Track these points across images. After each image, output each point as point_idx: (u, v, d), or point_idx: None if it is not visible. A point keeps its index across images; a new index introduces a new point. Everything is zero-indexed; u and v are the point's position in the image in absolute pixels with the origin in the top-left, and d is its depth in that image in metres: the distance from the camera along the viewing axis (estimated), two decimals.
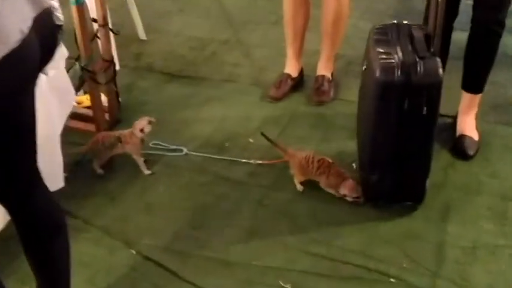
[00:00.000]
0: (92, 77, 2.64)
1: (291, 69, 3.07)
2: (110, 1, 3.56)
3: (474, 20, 2.42)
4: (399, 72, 1.99)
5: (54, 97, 2.19)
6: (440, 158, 2.53)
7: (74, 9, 2.49)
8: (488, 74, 2.54)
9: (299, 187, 2.38)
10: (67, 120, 2.75)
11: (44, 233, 1.65)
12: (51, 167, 2.14)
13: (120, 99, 2.93)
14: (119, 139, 2.48)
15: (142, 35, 3.64)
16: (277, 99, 2.99)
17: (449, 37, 2.50)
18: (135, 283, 2.00)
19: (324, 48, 3.01)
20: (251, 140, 2.71)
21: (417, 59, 2.01)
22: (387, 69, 2.00)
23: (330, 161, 2.34)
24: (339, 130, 2.72)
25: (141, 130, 2.45)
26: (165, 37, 3.61)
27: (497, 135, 2.68)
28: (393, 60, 2.01)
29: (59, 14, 1.58)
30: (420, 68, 1.99)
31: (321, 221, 2.24)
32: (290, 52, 3.04)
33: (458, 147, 2.53)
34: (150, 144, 2.66)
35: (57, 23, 1.58)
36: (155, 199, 2.37)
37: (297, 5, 2.93)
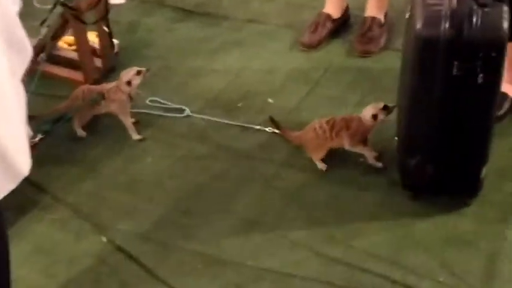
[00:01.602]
0: (75, 15, 2.49)
1: (332, 8, 2.83)
2: None
3: None
4: (447, 24, 1.72)
5: (12, 53, 2.05)
6: (507, 135, 2.25)
7: None
8: None
9: (321, 166, 2.20)
10: (51, 68, 2.70)
11: None
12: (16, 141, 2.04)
13: (117, 41, 2.79)
14: (102, 95, 2.34)
15: None
16: (311, 47, 2.77)
17: None
18: (99, 279, 1.90)
19: None
20: (270, 100, 2.52)
21: (475, 7, 1.72)
22: (431, 19, 1.74)
23: (341, 116, 2.18)
24: (384, 91, 2.44)
25: (128, 83, 2.31)
26: None
27: None
28: (441, 8, 1.74)
29: None
30: (477, 19, 1.71)
31: (342, 212, 2.05)
32: None
33: None
34: (147, 101, 2.53)
35: None
36: (140, 173, 2.24)
37: None
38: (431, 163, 1.94)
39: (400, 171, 2.05)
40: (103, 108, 2.36)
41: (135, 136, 2.37)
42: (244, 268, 1.90)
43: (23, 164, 2.09)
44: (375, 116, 2.12)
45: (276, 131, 2.33)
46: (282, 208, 2.08)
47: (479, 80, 1.73)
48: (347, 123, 2.15)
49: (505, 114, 2.31)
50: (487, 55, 1.70)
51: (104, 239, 2.01)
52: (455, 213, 2.01)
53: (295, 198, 2.11)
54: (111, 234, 2.02)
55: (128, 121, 2.36)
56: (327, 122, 2.16)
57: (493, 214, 2.00)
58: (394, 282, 1.83)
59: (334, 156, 2.22)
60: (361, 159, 2.21)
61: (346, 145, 2.16)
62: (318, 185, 2.15)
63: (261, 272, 1.89)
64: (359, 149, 2.17)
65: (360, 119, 2.14)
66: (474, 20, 1.71)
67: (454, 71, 1.74)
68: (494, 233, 1.95)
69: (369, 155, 2.16)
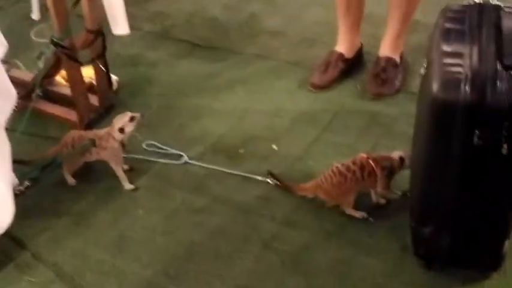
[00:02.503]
0: (68, 54, 2.30)
1: (345, 46, 2.62)
2: None
3: None
4: (468, 88, 1.48)
5: None
6: None
7: None
8: None
9: (360, 214, 2.00)
10: (45, 105, 2.51)
11: None
12: None
13: (116, 77, 2.61)
14: (93, 142, 2.14)
15: None
16: (321, 88, 2.57)
17: None
18: None
19: (390, 23, 2.52)
20: (275, 147, 2.31)
21: (499, 68, 1.49)
22: (450, 82, 1.50)
23: (366, 155, 1.97)
24: (400, 139, 2.20)
25: (121, 130, 2.10)
26: None
27: None
28: (461, 69, 1.50)
29: None
30: (502, 83, 1.47)
31: (347, 281, 1.82)
32: (342, 27, 2.56)
33: None
34: (144, 145, 2.33)
35: None
36: (129, 229, 2.03)
37: None
38: (447, 233, 1.70)
39: (412, 238, 1.81)
40: (94, 155, 2.16)
41: (127, 186, 2.17)
42: None
43: (3, 218, 1.92)
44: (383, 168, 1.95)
45: (279, 183, 2.11)
46: (281, 275, 1.85)
47: (504, 151, 1.49)
48: (379, 163, 1.95)
49: None
50: None
51: None
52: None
53: (296, 263, 1.88)
54: None
55: (120, 170, 2.16)
56: (354, 163, 1.96)
57: None
58: None
59: (338, 215, 1.99)
60: (371, 219, 1.98)
61: (380, 187, 1.97)
62: (321, 248, 1.92)
63: None
64: (386, 192, 1.99)
65: (391, 158, 1.95)
66: (498, 83, 1.47)
67: (475, 140, 1.50)
68: None
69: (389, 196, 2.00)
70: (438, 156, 1.59)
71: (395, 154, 1.96)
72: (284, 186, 2.09)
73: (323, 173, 1.99)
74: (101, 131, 2.17)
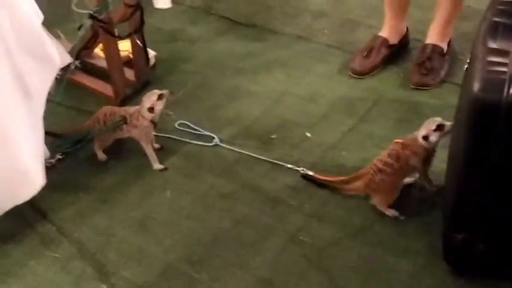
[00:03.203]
0: (105, 28, 2.25)
1: (390, 32, 2.50)
2: None
3: None
4: (511, 90, 1.37)
5: (32, 68, 1.84)
6: None
7: None
8: None
9: (393, 213, 1.91)
10: (83, 77, 2.49)
11: None
12: (27, 161, 1.84)
13: (154, 52, 2.56)
14: (124, 119, 2.10)
15: None
16: (362, 74, 2.47)
17: None
18: None
19: (439, 6, 2.39)
20: (308, 134, 2.23)
21: None
22: (493, 82, 1.39)
23: (396, 145, 1.89)
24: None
25: (150, 109, 2.05)
26: None
27: None
28: (505, 69, 1.39)
29: None
30: None
31: (372, 282, 1.75)
32: (388, 11, 2.45)
33: None
34: (176, 124, 2.29)
35: None
36: (156, 209, 2.00)
37: None
38: (482, 241, 1.60)
39: (443, 243, 1.71)
40: (125, 133, 2.13)
41: (157, 166, 2.12)
42: None
43: (26, 190, 1.89)
44: (425, 137, 1.84)
45: (310, 172, 2.04)
46: (304, 269, 1.79)
47: None
48: (411, 149, 1.86)
49: None
50: None
51: (104, 287, 1.77)
52: None
53: (321, 259, 1.81)
54: (112, 282, 1.79)
55: (150, 149, 2.12)
56: (389, 156, 1.87)
57: None
58: None
59: (368, 210, 1.91)
60: (402, 217, 1.89)
61: (420, 171, 1.90)
62: (348, 244, 1.85)
63: None
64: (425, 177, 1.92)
65: (417, 141, 1.86)
66: None
67: None
68: None
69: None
70: (477, 160, 1.49)
71: (420, 133, 1.86)
72: (327, 188, 1.99)
73: (368, 172, 1.89)
74: (132, 109, 2.12)
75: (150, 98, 2.06)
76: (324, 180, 1.99)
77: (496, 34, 1.49)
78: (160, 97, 2.06)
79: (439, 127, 1.82)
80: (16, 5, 1.74)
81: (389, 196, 1.90)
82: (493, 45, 1.47)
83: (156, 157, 2.13)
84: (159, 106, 2.06)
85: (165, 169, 2.12)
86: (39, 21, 1.90)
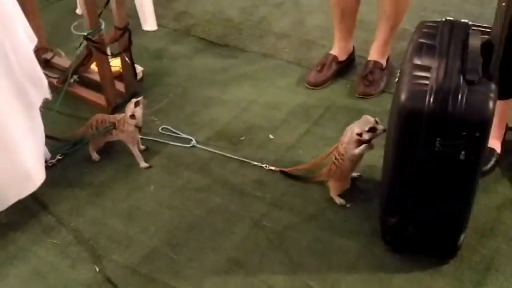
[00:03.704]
0: (98, 47, 2.25)
1: (338, 51, 2.51)
2: None
3: None
4: (432, 99, 1.41)
5: (30, 85, 1.83)
6: (497, 191, 1.94)
7: None
8: None
9: (341, 201, 1.92)
10: (80, 89, 2.48)
11: None
12: (23, 167, 1.83)
13: (142, 68, 2.56)
14: (113, 125, 2.10)
15: None
16: (315, 86, 2.47)
17: None
18: None
19: (379, 31, 2.41)
20: (271, 136, 2.25)
21: (461, 83, 1.40)
22: (416, 93, 1.43)
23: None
24: (382, 136, 2.11)
25: (132, 116, 2.05)
26: None
27: None
28: (427, 82, 1.43)
29: None
30: (463, 96, 1.39)
31: (323, 259, 1.77)
32: (337, 33, 2.47)
33: None
34: (160, 129, 2.28)
35: None
36: (141, 202, 1.99)
37: None
38: (411, 224, 1.64)
39: (381, 226, 1.75)
40: (114, 136, 2.12)
41: (142, 164, 2.12)
42: None
43: (36, 177, 1.89)
44: (359, 134, 1.81)
45: (271, 167, 2.07)
46: (266, 251, 1.80)
47: (461, 156, 1.42)
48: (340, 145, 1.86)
49: (491, 169, 1.98)
50: (470, 134, 1.39)
51: (97, 269, 1.77)
52: (432, 272, 1.71)
53: (280, 241, 1.83)
54: (104, 264, 1.78)
55: (136, 150, 2.12)
56: (336, 150, 1.87)
57: (469, 275, 1.69)
58: None
59: (321, 200, 1.93)
60: (347, 205, 1.92)
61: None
62: (303, 228, 1.87)
63: None
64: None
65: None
66: (459, 97, 1.39)
67: (436, 146, 1.43)
68: None
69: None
70: (404, 158, 1.52)
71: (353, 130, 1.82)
72: (301, 179, 2.01)
73: (332, 162, 1.88)
74: (119, 116, 2.12)
75: (129, 107, 2.06)
76: (299, 169, 2.01)
77: (420, 53, 1.52)
78: (136, 104, 2.06)
79: (372, 129, 1.78)
80: (14, 31, 1.73)
81: (342, 184, 1.90)
82: (417, 61, 1.50)
83: (141, 157, 2.13)
84: (138, 112, 2.06)
85: (150, 167, 2.12)
86: (32, 45, 1.89)
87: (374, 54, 2.44)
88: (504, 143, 2.06)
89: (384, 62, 2.44)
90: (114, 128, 2.09)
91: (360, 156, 1.85)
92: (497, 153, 2.00)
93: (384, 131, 1.75)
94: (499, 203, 1.90)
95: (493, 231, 1.81)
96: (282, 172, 2.03)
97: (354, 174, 1.96)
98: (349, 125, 1.87)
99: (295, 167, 2.03)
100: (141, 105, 2.06)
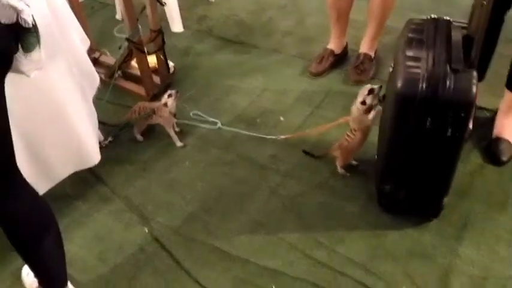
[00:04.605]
0: (137, 47, 2.15)
1: (334, 45, 2.40)
2: None
3: None
4: (424, 85, 1.32)
5: (83, 80, 1.75)
6: (470, 160, 1.85)
7: None
8: None
9: (343, 172, 1.82)
10: (124, 82, 2.39)
11: (28, 236, 1.27)
12: (82, 146, 1.77)
13: (173, 63, 2.46)
14: (153, 111, 2.02)
15: None
16: (316, 75, 2.37)
17: (498, 32, 1.71)
18: (139, 265, 1.62)
19: (369, 28, 2.30)
20: (282, 118, 2.16)
21: (448, 71, 1.31)
22: (410, 80, 1.34)
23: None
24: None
25: (165, 104, 1.97)
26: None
27: None
28: (419, 71, 1.34)
29: (26, 16, 1.07)
30: (450, 82, 1.31)
31: (329, 221, 1.70)
32: (333, 31, 2.36)
33: (492, 150, 1.83)
34: (191, 114, 2.19)
35: (25, 25, 1.08)
36: (179, 175, 1.93)
37: None
38: (403, 190, 1.57)
39: (377, 191, 1.68)
40: (154, 120, 2.04)
41: (178, 143, 2.05)
42: (249, 265, 1.59)
43: (94, 156, 1.82)
44: (363, 102, 1.68)
45: (282, 136, 1.97)
46: (282, 214, 1.74)
47: (448, 133, 1.34)
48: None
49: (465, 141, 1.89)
50: (456, 114, 1.31)
51: (146, 230, 1.72)
52: (420, 227, 1.65)
53: (293, 206, 1.77)
54: (152, 226, 1.73)
55: (172, 132, 2.04)
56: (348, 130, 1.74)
57: (450, 231, 1.63)
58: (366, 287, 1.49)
59: (324, 171, 1.86)
60: (348, 174, 1.84)
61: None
62: (311, 195, 1.80)
63: (260, 270, 1.57)
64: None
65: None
66: (448, 83, 1.30)
67: (427, 125, 1.35)
68: (450, 248, 1.58)
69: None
70: (398, 135, 1.45)
71: (357, 100, 1.69)
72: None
73: (344, 138, 1.77)
74: (158, 103, 2.04)
75: (164, 97, 1.99)
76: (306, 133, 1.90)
77: (411, 45, 1.44)
78: (169, 96, 1.99)
79: (371, 91, 1.66)
80: (70, 35, 1.65)
81: (348, 158, 1.81)
82: (409, 53, 1.41)
83: (177, 137, 2.05)
84: (171, 102, 1.98)
85: (184, 146, 2.05)
86: (85, 47, 1.80)
87: (364, 47, 2.34)
88: (475, 119, 1.97)
89: (372, 54, 2.34)
90: (154, 113, 2.01)
91: (371, 123, 1.70)
92: (469, 129, 1.91)
93: (381, 87, 1.63)
94: (471, 169, 1.83)
95: (468, 193, 1.74)
96: (304, 151, 1.92)
97: (354, 162, 1.85)
98: (345, 108, 1.78)
99: (300, 132, 1.95)
100: (173, 97, 1.98)
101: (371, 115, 1.68)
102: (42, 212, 1.28)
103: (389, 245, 1.60)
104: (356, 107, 1.71)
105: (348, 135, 1.76)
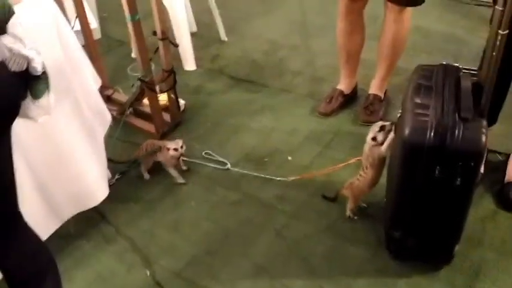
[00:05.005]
0: (149, 86, 2.16)
1: (344, 86, 2.38)
2: (197, 5, 3.08)
3: None
4: (432, 134, 1.28)
5: (94, 118, 1.75)
6: (482, 205, 1.78)
7: (130, 25, 1.99)
8: None
9: (351, 215, 1.77)
10: (134, 120, 2.40)
11: (27, 280, 1.23)
12: (88, 186, 1.76)
13: (184, 101, 2.46)
14: (158, 148, 2.00)
15: (223, 36, 3.08)
16: (325, 115, 2.34)
17: (510, 79, 1.67)
18: None
19: (378, 69, 2.27)
20: (290, 158, 2.12)
21: (457, 120, 1.27)
22: (418, 128, 1.30)
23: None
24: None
25: (168, 149, 1.96)
26: (244, 39, 3.04)
27: None
28: (427, 119, 1.30)
29: (36, 65, 1.07)
30: (459, 132, 1.26)
31: (335, 265, 1.64)
32: (343, 71, 2.34)
33: (505, 196, 1.75)
34: (203, 153, 2.17)
35: (35, 73, 1.08)
36: (184, 215, 1.89)
37: (351, 31, 2.21)
38: (412, 237, 1.50)
39: (385, 237, 1.61)
40: (157, 157, 2.02)
41: (180, 180, 2.02)
42: None
43: (100, 194, 1.80)
44: (373, 138, 1.62)
45: (292, 178, 1.92)
46: (287, 257, 1.68)
47: (457, 182, 1.29)
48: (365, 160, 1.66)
49: (476, 186, 1.82)
50: (465, 164, 1.25)
51: (148, 273, 1.67)
52: (429, 276, 1.57)
53: (298, 249, 1.71)
54: (154, 269, 1.69)
55: (172, 170, 2.01)
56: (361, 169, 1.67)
57: (461, 280, 1.55)
58: None
59: (332, 213, 1.80)
60: (356, 217, 1.78)
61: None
62: (318, 238, 1.74)
63: None
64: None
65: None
66: (456, 132, 1.26)
67: (436, 174, 1.29)
68: None
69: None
70: (407, 183, 1.39)
71: (368, 137, 1.64)
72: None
73: (356, 178, 1.70)
74: (164, 142, 2.02)
75: (171, 143, 1.98)
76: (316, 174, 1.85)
77: (419, 92, 1.40)
78: (175, 149, 1.96)
79: (382, 127, 1.61)
80: (81, 73, 1.66)
81: (359, 198, 1.74)
82: (417, 100, 1.37)
83: (178, 174, 2.01)
84: (173, 153, 1.96)
85: (184, 183, 2.01)
86: (96, 86, 1.81)
87: (374, 88, 2.31)
88: (486, 163, 1.90)
89: (382, 95, 2.31)
90: (159, 151, 1.99)
91: (384, 159, 1.62)
92: (481, 173, 1.85)
93: (392, 123, 1.57)
94: (483, 215, 1.75)
95: (480, 240, 1.67)
96: (324, 196, 1.86)
97: (363, 204, 1.79)
98: (354, 148, 1.73)
99: (310, 173, 1.90)
100: (178, 150, 1.96)
101: (383, 146, 1.61)
102: (42, 256, 1.25)
103: None
104: (367, 145, 1.66)
105: (360, 175, 1.70)
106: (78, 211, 1.74)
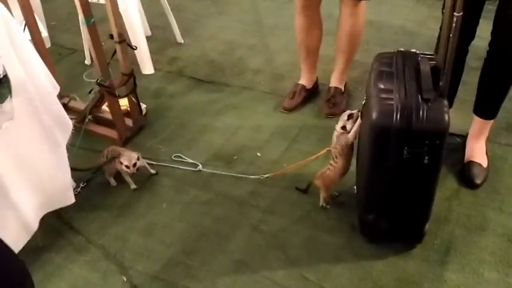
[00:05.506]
0: (108, 91, 2.13)
1: (305, 81, 2.45)
2: (150, 9, 3.06)
3: (493, 44, 1.70)
4: (398, 117, 1.35)
5: (55, 126, 1.71)
6: (446, 185, 1.89)
7: (85, 29, 1.96)
8: (503, 100, 1.83)
9: (324, 204, 1.81)
10: (95, 127, 2.35)
11: None
12: (58, 188, 1.72)
13: (145, 105, 2.44)
14: (117, 155, 1.98)
15: (179, 38, 3.08)
16: (289, 110, 2.39)
17: (463, 62, 1.79)
18: None
19: (337, 63, 2.36)
20: (258, 154, 2.15)
21: (420, 101, 1.35)
22: (385, 112, 1.37)
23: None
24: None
25: (121, 163, 1.94)
26: (200, 41, 3.04)
27: (508, 160, 1.98)
28: (392, 102, 1.37)
29: None
30: (423, 113, 1.34)
31: (314, 254, 1.68)
32: (303, 67, 2.41)
33: (466, 175, 1.87)
34: (173, 157, 2.15)
35: None
36: (156, 218, 1.88)
37: (309, 27, 2.28)
38: (385, 219, 1.57)
39: (359, 222, 1.68)
40: (117, 165, 1.99)
41: (132, 186, 2.00)
42: None
43: (66, 198, 1.75)
44: (343, 127, 1.66)
45: (266, 175, 1.96)
46: (266, 250, 1.71)
47: (425, 161, 1.37)
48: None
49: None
50: (431, 142, 1.33)
51: (124, 279, 1.65)
52: (404, 255, 1.65)
53: (276, 241, 1.74)
54: (130, 274, 1.67)
55: (126, 176, 1.99)
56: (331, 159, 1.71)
57: (434, 257, 1.64)
58: None
59: (305, 204, 1.85)
60: (328, 206, 1.84)
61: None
62: (294, 229, 1.78)
63: None
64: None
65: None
66: (421, 113, 1.34)
67: (404, 154, 1.37)
68: (435, 274, 1.58)
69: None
70: (377, 166, 1.46)
71: (338, 126, 1.68)
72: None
73: (327, 168, 1.74)
74: (126, 151, 1.99)
75: (130, 156, 1.95)
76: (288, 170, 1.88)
77: (382, 78, 1.47)
78: (134, 165, 1.93)
79: (349, 116, 1.64)
80: (38, 79, 1.61)
81: (331, 187, 1.78)
82: (381, 86, 1.44)
83: (131, 181, 1.99)
84: (127, 163, 1.94)
85: (137, 189, 1.99)
86: (55, 92, 1.77)
87: (334, 82, 2.39)
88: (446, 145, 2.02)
89: (342, 87, 2.40)
90: (117, 157, 1.96)
91: (352, 146, 1.67)
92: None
93: (359, 111, 1.61)
94: (448, 194, 1.86)
95: (447, 218, 1.77)
96: (297, 188, 1.90)
97: (334, 193, 1.85)
98: (320, 141, 1.78)
99: (283, 170, 1.94)
100: (135, 167, 1.93)
101: (351, 134, 1.67)
102: (17, 271, 1.21)
103: (375, 276, 1.58)
104: (335, 135, 1.71)
105: (330, 164, 1.75)
106: (45, 212, 1.69)
